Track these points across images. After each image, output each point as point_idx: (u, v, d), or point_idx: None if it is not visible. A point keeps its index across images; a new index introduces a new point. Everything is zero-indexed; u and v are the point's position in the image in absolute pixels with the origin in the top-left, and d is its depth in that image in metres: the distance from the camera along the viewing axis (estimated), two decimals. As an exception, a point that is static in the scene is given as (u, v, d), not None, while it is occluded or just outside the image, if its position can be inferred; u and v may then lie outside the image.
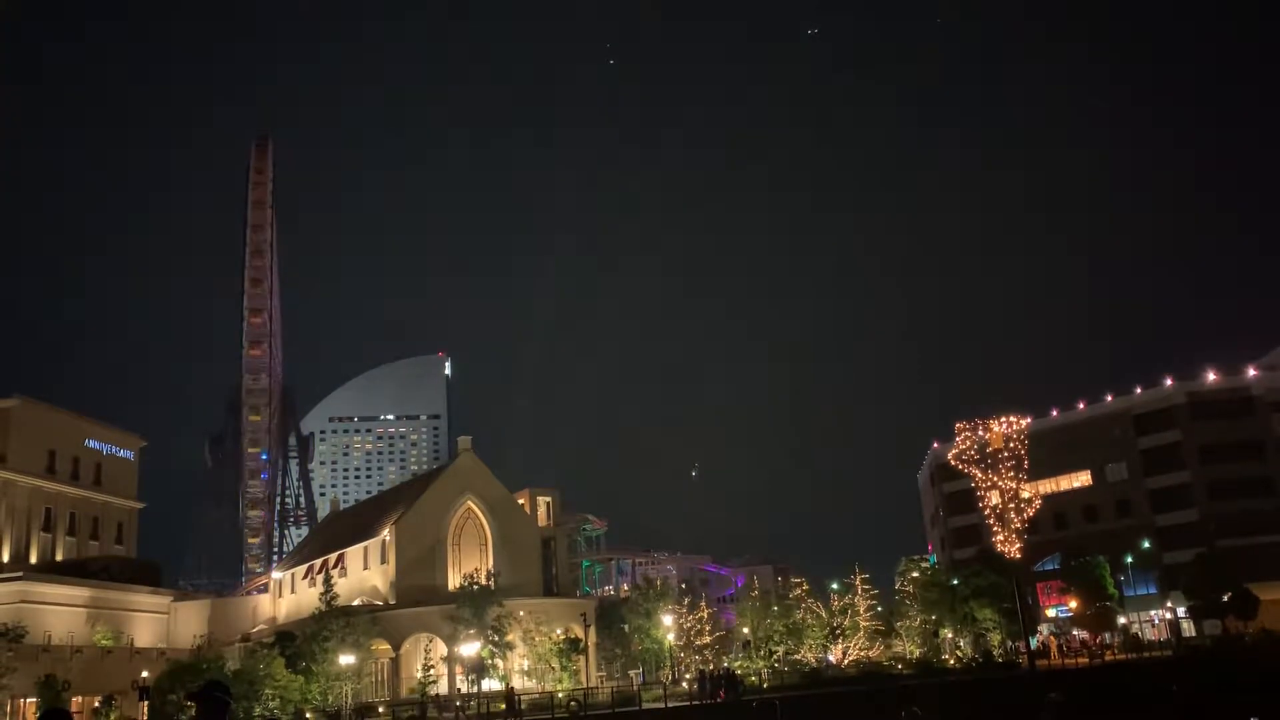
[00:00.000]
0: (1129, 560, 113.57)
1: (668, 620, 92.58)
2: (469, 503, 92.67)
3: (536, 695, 70.46)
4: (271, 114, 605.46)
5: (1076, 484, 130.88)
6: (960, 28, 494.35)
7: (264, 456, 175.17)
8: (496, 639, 75.88)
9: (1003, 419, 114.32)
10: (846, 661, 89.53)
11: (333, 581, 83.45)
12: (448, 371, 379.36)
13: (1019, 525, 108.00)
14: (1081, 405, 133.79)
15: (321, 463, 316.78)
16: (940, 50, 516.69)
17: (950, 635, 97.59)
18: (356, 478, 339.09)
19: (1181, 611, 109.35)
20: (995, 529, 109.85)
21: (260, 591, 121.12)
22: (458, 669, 78.49)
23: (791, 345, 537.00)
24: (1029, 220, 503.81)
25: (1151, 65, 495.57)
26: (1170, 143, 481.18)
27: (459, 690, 74.58)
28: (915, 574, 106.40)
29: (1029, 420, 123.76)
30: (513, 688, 70.54)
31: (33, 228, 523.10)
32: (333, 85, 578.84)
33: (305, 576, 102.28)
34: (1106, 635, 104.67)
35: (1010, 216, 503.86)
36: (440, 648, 79.94)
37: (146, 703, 68.86)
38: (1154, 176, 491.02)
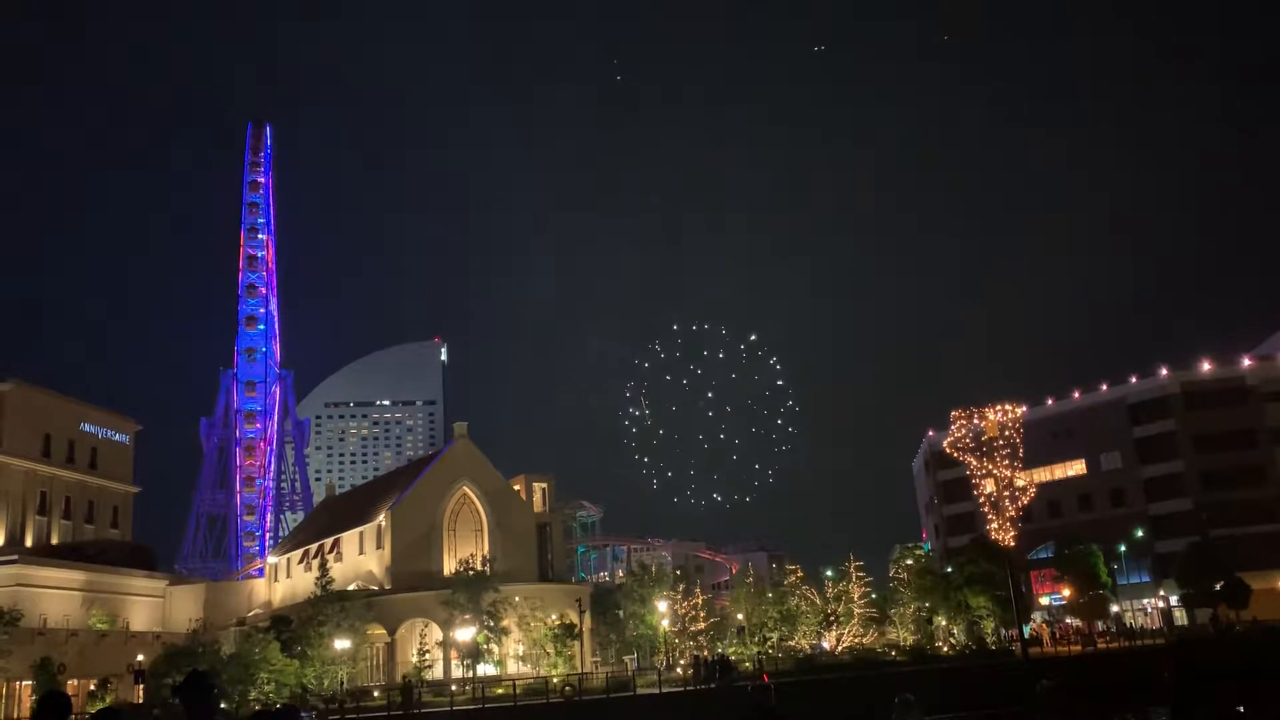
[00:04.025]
0: (1122, 549, 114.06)
1: (662, 606, 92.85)
2: (464, 488, 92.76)
3: (531, 680, 70.72)
4: (271, 102, 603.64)
5: (1071, 473, 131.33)
6: (960, 29, 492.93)
7: (259, 440, 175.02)
8: (491, 624, 76.11)
9: (998, 407, 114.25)
10: (840, 648, 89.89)
11: (328, 566, 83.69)
12: (444, 357, 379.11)
13: (1013, 513, 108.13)
14: (1076, 394, 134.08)
15: (317, 448, 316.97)
16: (939, 48, 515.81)
17: (944, 623, 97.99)
18: (352, 463, 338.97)
19: (1174, 600, 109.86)
20: (990, 517, 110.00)
21: (256, 576, 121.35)
22: (453, 654, 78.73)
23: (787, 335, 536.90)
24: (1025, 211, 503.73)
25: (1153, 59, 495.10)
26: (1171, 135, 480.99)
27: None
28: (909, 561, 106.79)
29: (1024, 409, 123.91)
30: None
31: (29, 212, 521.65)
32: (332, 75, 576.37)
33: (301, 561, 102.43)
34: (1099, 623, 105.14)
35: (1007, 207, 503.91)
36: (435, 633, 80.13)
37: (142, 686, 69.06)
38: (1154, 168, 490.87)
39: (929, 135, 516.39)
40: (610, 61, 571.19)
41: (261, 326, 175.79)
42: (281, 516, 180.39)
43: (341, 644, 74.45)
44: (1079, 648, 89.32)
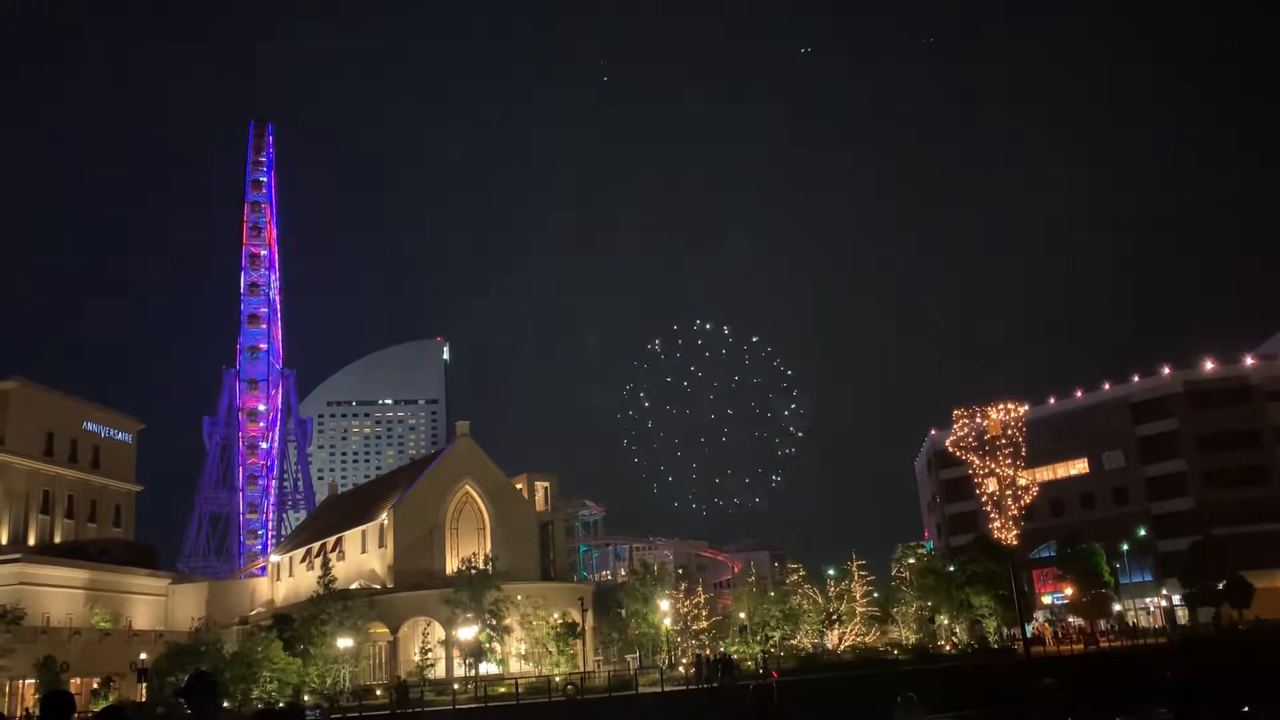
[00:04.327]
0: (1125, 548, 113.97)
1: (664, 605, 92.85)
2: (467, 487, 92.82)
3: (534, 679, 70.74)
4: (272, 102, 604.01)
5: (1073, 471, 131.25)
6: (958, 31, 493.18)
7: (262, 441, 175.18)
8: (494, 623, 76.15)
9: (1001, 406, 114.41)
10: (843, 647, 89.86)
11: (331, 565, 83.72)
12: (446, 356, 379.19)
13: (1016, 512, 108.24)
14: (1079, 393, 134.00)
15: (320, 447, 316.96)
16: (930, 51, 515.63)
17: (946, 621, 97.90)
18: (355, 462, 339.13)
19: (1176, 599, 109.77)
20: (992, 516, 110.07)
21: (258, 575, 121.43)
22: (455, 652, 78.79)
23: (789, 328, 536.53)
24: (1027, 208, 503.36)
25: (1150, 50, 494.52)
26: (1170, 133, 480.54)
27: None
28: (912, 560, 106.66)
29: (1027, 408, 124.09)
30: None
31: (30, 211, 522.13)
32: (332, 75, 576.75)
33: (303, 560, 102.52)
34: (1102, 622, 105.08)
35: (1010, 204, 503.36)
36: (438, 631, 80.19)
37: (145, 684, 69.18)
38: (1154, 164, 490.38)
39: (930, 136, 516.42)
40: (613, 60, 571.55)
41: (264, 325, 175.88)
42: (284, 515, 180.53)
43: (344, 643, 74.49)
44: (1081, 647, 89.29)
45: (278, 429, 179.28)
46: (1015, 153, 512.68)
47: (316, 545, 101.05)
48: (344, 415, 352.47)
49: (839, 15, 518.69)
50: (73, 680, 73.77)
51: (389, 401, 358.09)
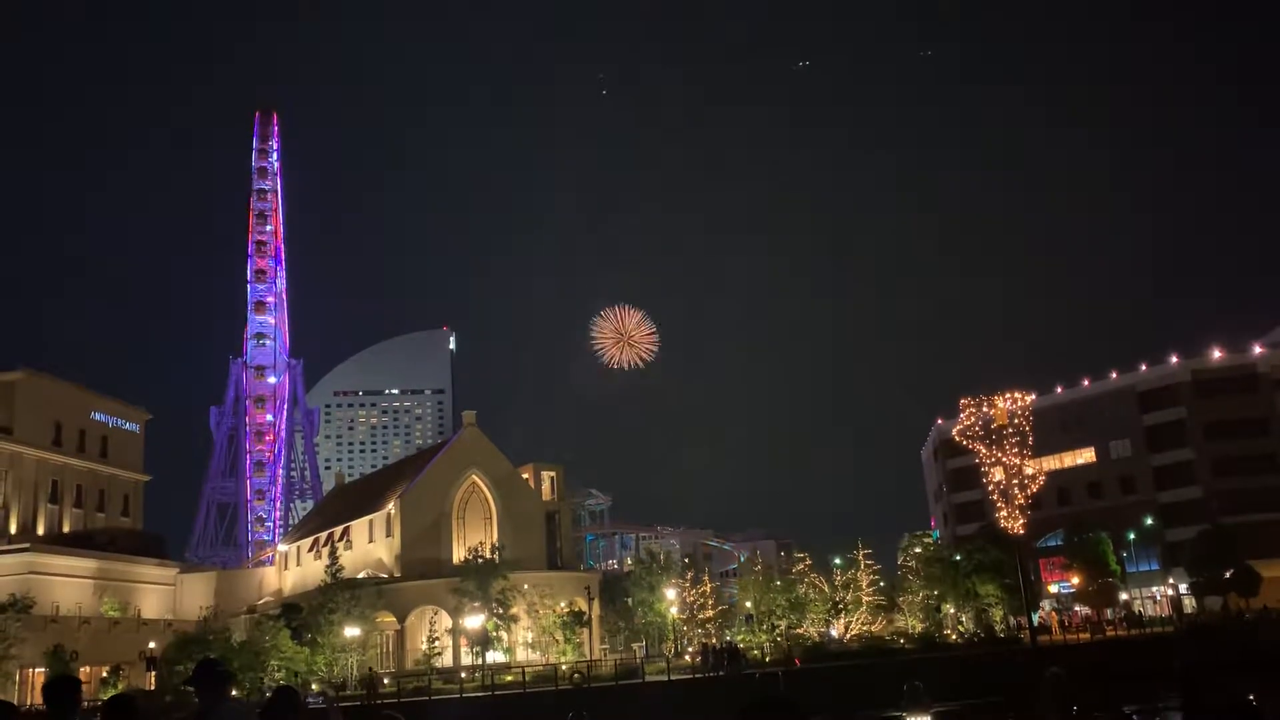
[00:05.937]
0: (1132, 536, 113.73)
1: (671, 594, 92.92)
2: (473, 477, 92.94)
3: (540, 667, 70.93)
4: (276, 96, 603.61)
5: (1080, 460, 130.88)
6: (959, 32, 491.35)
7: (269, 430, 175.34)
8: (501, 612, 76.33)
9: (1007, 395, 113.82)
10: (849, 636, 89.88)
11: (338, 554, 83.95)
12: (452, 346, 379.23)
13: (1022, 501, 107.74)
14: (1086, 382, 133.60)
15: (326, 437, 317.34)
16: (935, 54, 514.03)
17: (952, 611, 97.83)
18: (361, 452, 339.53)
19: (1183, 588, 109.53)
20: (998, 505, 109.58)
21: (266, 564, 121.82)
22: (462, 641, 79.01)
23: (794, 322, 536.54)
24: (1034, 199, 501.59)
25: (1150, 50, 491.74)
26: (1177, 122, 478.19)
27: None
28: (918, 549, 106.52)
29: (1034, 396, 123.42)
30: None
31: (36, 201, 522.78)
32: (332, 63, 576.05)
33: (311, 549, 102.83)
34: (1108, 611, 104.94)
35: (1014, 195, 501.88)
36: (445, 620, 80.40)
37: (154, 673, 69.55)
38: (1158, 155, 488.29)
39: (932, 134, 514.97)
40: (614, 59, 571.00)
41: (271, 318, 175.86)
42: (291, 505, 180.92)
43: (352, 631, 74.75)
44: (1088, 636, 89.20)
45: (285, 418, 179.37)
46: (1016, 151, 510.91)
47: (324, 535, 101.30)
48: (350, 405, 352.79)
49: (839, 16, 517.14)
50: (82, 669, 74.08)
51: (395, 391, 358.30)
